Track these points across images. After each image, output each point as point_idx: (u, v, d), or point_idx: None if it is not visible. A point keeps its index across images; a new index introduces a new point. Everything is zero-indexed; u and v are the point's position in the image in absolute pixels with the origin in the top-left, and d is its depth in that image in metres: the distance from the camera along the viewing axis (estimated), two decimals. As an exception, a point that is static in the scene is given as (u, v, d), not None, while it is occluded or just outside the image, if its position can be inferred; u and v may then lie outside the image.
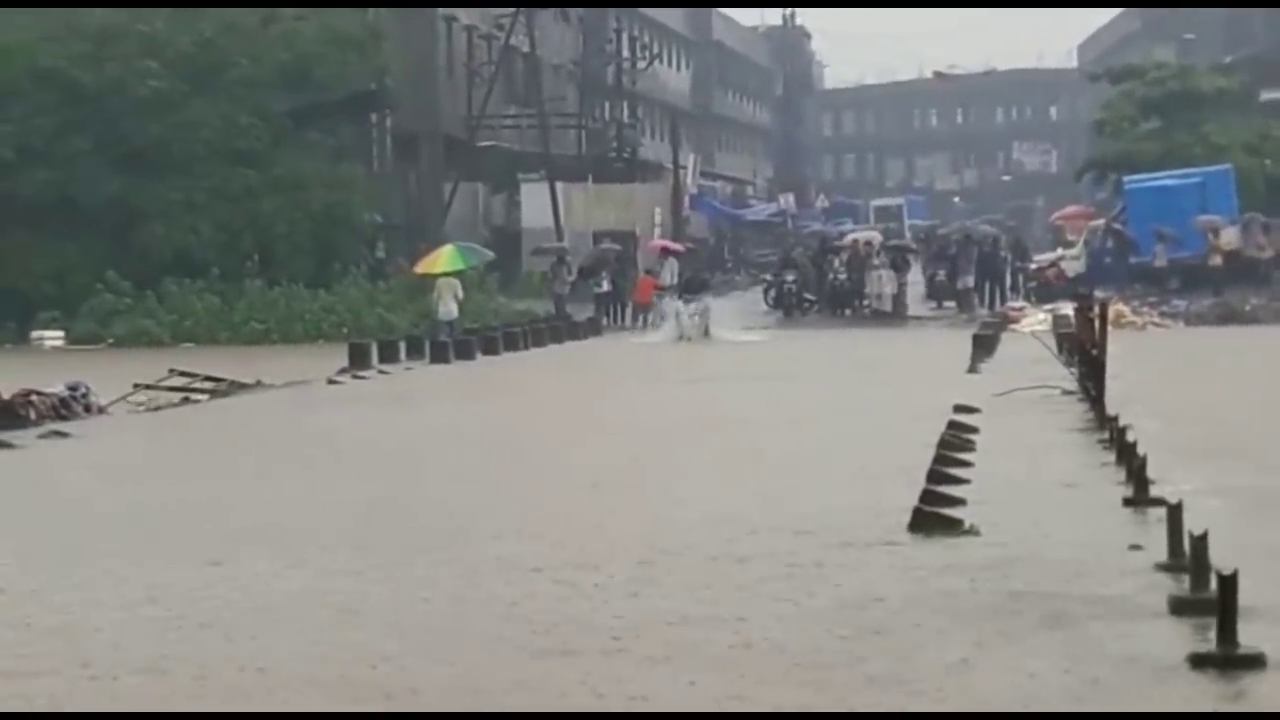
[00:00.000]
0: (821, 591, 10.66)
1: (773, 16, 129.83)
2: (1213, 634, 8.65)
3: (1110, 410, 18.53)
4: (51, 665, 9.21)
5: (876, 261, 50.09)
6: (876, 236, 56.72)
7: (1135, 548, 11.60)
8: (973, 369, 28.86)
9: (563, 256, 51.46)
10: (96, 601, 10.87)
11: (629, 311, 50.25)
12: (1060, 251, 57.34)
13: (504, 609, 10.37)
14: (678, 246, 58.83)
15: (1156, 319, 42.42)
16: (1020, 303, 49.10)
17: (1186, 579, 9.87)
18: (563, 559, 11.93)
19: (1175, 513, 10.97)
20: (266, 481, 17.19)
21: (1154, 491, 13.38)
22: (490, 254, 48.00)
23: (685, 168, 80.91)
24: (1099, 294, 35.10)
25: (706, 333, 41.15)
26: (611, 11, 79.48)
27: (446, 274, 42.70)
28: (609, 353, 39.79)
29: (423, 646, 9.44)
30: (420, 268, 45.05)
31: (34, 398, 23.69)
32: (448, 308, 41.64)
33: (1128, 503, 13.59)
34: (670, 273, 51.12)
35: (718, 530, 12.96)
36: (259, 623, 10.17)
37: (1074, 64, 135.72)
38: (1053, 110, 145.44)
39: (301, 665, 9.09)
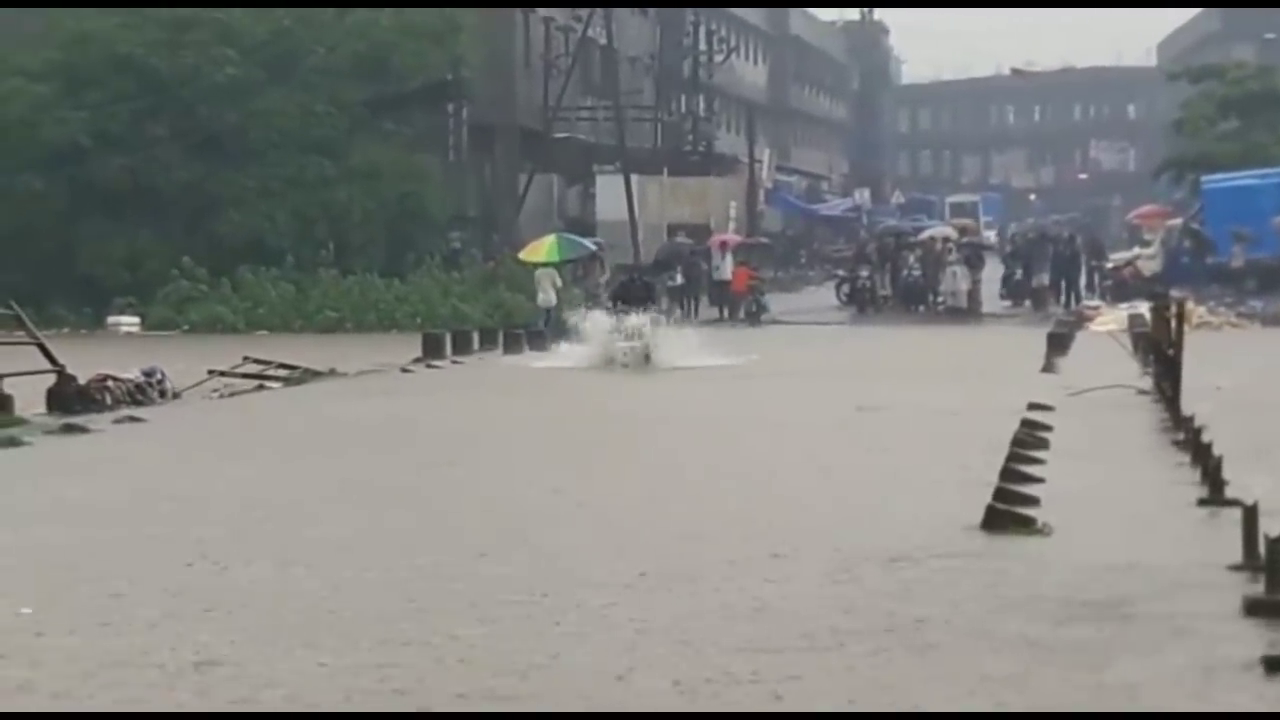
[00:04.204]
0: (890, 590, 10.63)
1: (850, 11, 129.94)
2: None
3: (1186, 411, 18.40)
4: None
5: (951, 258, 49.94)
6: (952, 233, 56.39)
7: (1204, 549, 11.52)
8: (1047, 367, 28.69)
9: (594, 253, 50.90)
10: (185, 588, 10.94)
11: (699, 305, 50.29)
12: (1136, 250, 56.91)
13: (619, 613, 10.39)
14: (736, 239, 58.36)
15: (1233, 319, 42.09)
16: (1096, 301, 48.85)
17: (1261, 580, 9.79)
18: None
19: (1251, 514, 10.88)
20: (342, 469, 17.21)
21: (1229, 493, 13.28)
22: (593, 246, 47.91)
23: (760, 162, 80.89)
24: (1175, 294, 34.84)
25: (647, 359, 31.13)
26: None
27: (545, 264, 43.03)
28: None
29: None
30: (524, 254, 45.42)
31: (110, 383, 23.88)
32: (546, 295, 42.39)
33: (1202, 503, 13.49)
34: (726, 268, 50.91)
35: (803, 518, 12.96)
36: (319, 619, 10.21)
37: (1153, 62, 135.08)
38: (1130, 108, 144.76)
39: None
